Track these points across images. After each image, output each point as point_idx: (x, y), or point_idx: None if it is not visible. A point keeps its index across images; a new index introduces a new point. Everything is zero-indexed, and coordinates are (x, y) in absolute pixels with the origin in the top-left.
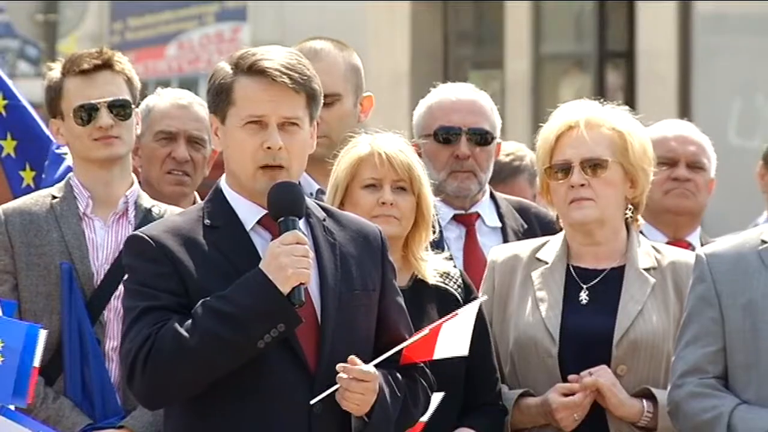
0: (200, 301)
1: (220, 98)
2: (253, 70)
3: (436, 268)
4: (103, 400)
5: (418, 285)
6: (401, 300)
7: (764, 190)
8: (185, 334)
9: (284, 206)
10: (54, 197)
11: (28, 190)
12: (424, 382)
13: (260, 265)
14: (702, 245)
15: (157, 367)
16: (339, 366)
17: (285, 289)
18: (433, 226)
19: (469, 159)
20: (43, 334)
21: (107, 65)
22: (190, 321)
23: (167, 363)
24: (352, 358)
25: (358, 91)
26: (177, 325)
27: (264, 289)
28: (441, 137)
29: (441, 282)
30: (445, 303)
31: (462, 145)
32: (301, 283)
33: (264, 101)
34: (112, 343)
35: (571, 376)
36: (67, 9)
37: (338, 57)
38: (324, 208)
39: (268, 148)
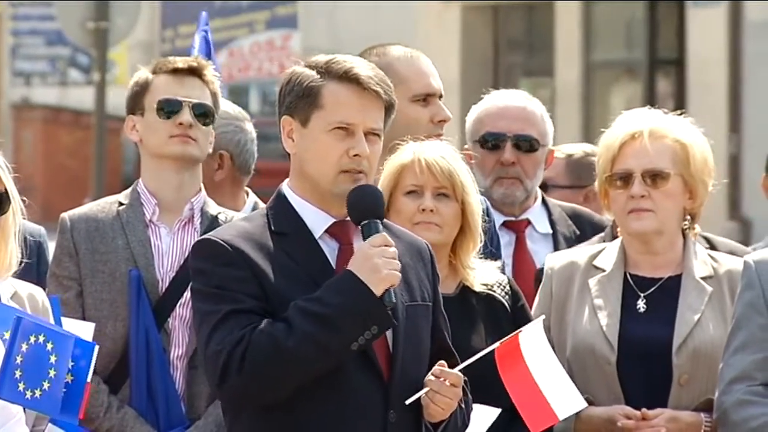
0: (291, 304)
1: (305, 101)
2: (347, 76)
3: (483, 277)
4: (167, 409)
5: (465, 293)
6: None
7: None
8: (281, 335)
9: (367, 209)
10: (120, 204)
11: None
12: (469, 395)
13: (350, 267)
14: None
15: (254, 368)
16: (435, 369)
17: (378, 290)
18: (482, 234)
19: (515, 165)
20: (96, 350)
21: (199, 73)
22: (282, 323)
23: (264, 364)
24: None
25: None
26: (271, 327)
27: (359, 291)
28: (487, 143)
29: (488, 289)
30: (493, 310)
31: (507, 152)
32: (391, 285)
33: (356, 109)
34: (177, 351)
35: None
36: (118, 17)
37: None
38: None
39: (356, 155)
